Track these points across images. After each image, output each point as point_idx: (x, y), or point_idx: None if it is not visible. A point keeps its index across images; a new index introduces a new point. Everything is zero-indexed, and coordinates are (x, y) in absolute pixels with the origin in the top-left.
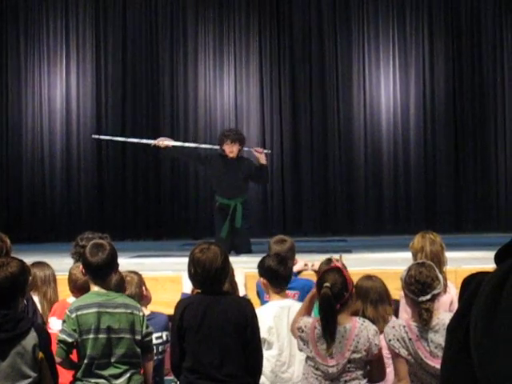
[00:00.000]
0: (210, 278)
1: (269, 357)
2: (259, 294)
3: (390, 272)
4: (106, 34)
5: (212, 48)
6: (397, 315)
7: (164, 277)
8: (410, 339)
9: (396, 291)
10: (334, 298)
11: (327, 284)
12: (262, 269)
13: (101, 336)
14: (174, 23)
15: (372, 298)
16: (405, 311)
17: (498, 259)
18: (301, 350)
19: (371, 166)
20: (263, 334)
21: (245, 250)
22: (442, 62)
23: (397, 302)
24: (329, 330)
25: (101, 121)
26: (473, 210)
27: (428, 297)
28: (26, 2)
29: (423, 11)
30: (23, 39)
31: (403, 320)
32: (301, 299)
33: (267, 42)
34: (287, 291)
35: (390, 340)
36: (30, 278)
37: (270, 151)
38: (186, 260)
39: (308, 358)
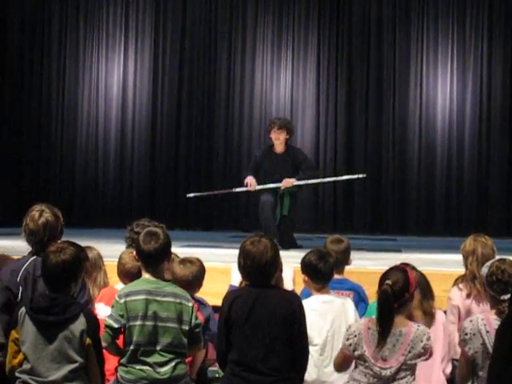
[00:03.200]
0: (260, 271)
1: (311, 351)
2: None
3: (440, 274)
4: (165, 22)
5: (270, 41)
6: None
7: (213, 267)
8: (487, 332)
9: (444, 293)
10: (394, 297)
11: (388, 281)
12: (303, 264)
13: (148, 323)
14: (234, 15)
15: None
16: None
17: None
18: (348, 356)
19: (424, 167)
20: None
21: (287, 245)
22: (500, 65)
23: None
24: (383, 329)
25: (156, 109)
26: None
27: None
28: None
29: (483, 14)
30: (83, 25)
31: (482, 314)
32: (355, 300)
33: (326, 37)
34: (342, 291)
35: (466, 334)
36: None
37: (365, 175)
38: (234, 252)
39: (359, 358)
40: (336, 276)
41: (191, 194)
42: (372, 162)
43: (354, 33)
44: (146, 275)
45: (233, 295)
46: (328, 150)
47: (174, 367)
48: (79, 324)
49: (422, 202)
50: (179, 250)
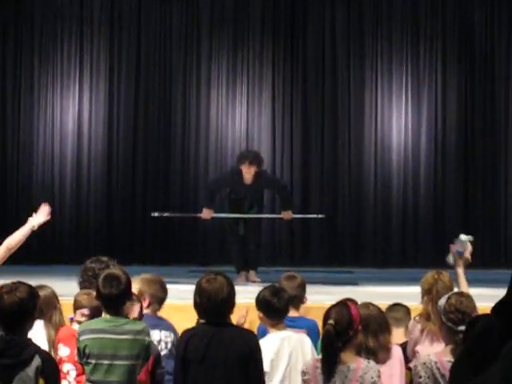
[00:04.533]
0: (215, 309)
1: None
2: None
3: None
4: (120, 58)
5: (225, 76)
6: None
7: (170, 305)
8: (442, 375)
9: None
10: (338, 336)
11: (331, 321)
12: (258, 301)
13: (103, 362)
14: (188, 50)
15: (372, 328)
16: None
17: (496, 312)
18: None
19: (380, 199)
20: (265, 366)
21: (254, 266)
22: (455, 97)
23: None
24: (327, 368)
25: (112, 146)
26: (481, 246)
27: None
28: (42, 24)
29: (437, 46)
30: (37, 62)
31: (434, 355)
32: (310, 337)
33: (280, 72)
34: (296, 329)
35: (420, 377)
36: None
37: (323, 216)
38: (192, 287)
39: None
40: (292, 313)
41: (156, 214)
42: (328, 194)
43: (308, 67)
44: (106, 315)
45: (188, 334)
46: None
47: None
48: (35, 365)
49: (378, 234)
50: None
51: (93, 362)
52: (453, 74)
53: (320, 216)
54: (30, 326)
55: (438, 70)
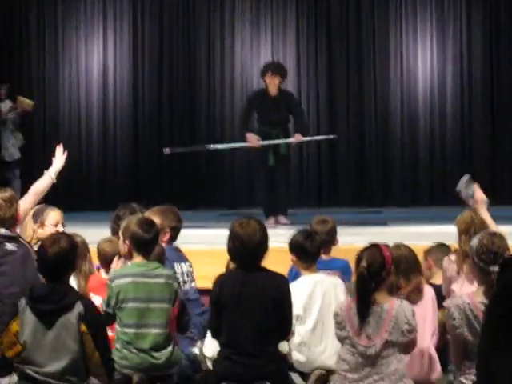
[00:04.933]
0: (248, 253)
1: (302, 331)
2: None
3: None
4: (144, 2)
5: (249, 18)
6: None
7: (199, 250)
8: (475, 316)
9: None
10: (371, 277)
11: (364, 263)
12: (291, 245)
13: (138, 305)
14: None
15: (403, 269)
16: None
17: None
18: (338, 336)
19: (407, 138)
20: (298, 309)
21: (283, 210)
22: (480, 34)
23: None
24: (361, 309)
25: (137, 91)
26: (509, 182)
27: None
28: None
29: None
30: (61, 7)
31: (467, 296)
32: (342, 279)
33: (304, 13)
34: (328, 271)
35: (454, 318)
36: None
37: (335, 136)
38: (220, 232)
39: (345, 337)
40: (323, 256)
41: (167, 150)
42: (355, 134)
43: (332, 8)
44: (137, 259)
45: (222, 278)
46: (310, 126)
47: (172, 352)
48: (77, 311)
49: (406, 173)
50: None
51: (127, 306)
52: (478, 11)
53: (332, 136)
54: (71, 275)
55: (463, 6)
